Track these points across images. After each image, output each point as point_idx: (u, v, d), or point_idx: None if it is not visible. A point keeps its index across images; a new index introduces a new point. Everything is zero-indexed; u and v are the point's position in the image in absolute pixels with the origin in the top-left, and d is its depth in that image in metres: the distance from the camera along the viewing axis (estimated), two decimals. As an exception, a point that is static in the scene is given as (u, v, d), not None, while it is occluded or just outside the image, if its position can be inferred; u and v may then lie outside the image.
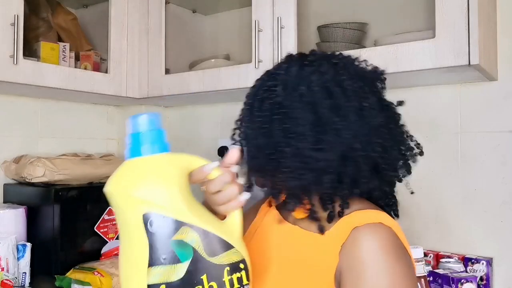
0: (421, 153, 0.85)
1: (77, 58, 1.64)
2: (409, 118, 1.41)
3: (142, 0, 1.63)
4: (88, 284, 1.30)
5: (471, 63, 1.05)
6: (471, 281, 1.04)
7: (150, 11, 1.63)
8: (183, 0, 1.79)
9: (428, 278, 1.01)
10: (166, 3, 1.62)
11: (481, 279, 1.22)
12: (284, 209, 0.85)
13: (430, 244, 1.36)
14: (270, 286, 0.79)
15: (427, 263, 1.17)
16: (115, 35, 1.57)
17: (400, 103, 0.83)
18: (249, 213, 0.97)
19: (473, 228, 1.31)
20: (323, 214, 0.77)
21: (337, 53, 0.84)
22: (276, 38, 1.31)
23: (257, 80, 0.86)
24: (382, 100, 0.81)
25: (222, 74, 1.44)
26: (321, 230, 0.76)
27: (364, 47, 1.35)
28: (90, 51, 1.67)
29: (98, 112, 1.88)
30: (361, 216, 0.74)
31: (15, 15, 1.27)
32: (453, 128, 1.35)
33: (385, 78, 0.84)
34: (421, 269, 0.95)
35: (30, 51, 1.46)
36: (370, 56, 1.18)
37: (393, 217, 0.81)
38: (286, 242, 0.82)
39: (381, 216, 0.75)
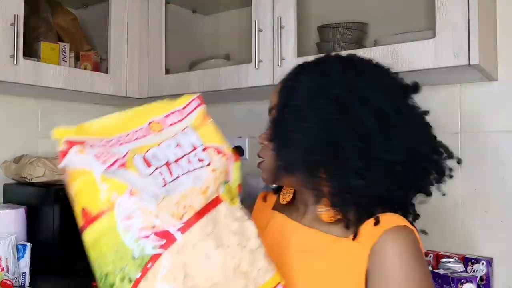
0: (451, 176, 0.88)
1: (77, 58, 1.64)
2: (409, 118, 1.42)
3: (142, 0, 1.63)
4: None
5: (471, 63, 1.05)
6: (471, 281, 1.03)
7: (150, 11, 1.63)
8: (183, 0, 1.78)
9: (428, 278, 1.01)
10: (166, 3, 1.62)
11: (481, 279, 1.22)
12: (311, 211, 0.83)
13: (430, 244, 1.36)
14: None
15: (427, 263, 1.17)
16: (115, 35, 1.57)
17: (425, 112, 0.88)
18: None
19: (473, 228, 1.31)
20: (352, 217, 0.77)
21: (374, 61, 0.86)
22: (276, 38, 1.31)
23: (298, 74, 0.84)
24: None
25: (222, 74, 1.44)
26: (355, 235, 0.76)
27: (364, 47, 1.35)
28: (90, 51, 1.67)
29: (98, 112, 1.87)
30: (387, 219, 0.75)
31: (15, 15, 1.27)
32: (453, 128, 1.34)
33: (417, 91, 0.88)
34: (421, 269, 0.95)
35: (30, 51, 1.46)
36: (370, 56, 1.18)
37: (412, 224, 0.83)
38: (309, 247, 0.80)
39: (402, 219, 0.78)
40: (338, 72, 0.80)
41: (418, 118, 0.83)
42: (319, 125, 0.76)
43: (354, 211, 0.77)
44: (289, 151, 0.78)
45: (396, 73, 0.87)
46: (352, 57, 0.87)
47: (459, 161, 0.87)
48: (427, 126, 0.85)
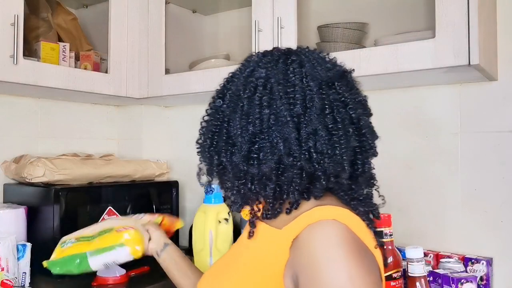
0: (374, 154, 0.80)
1: (77, 58, 1.64)
2: (409, 118, 1.42)
3: (142, 0, 1.63)
4: (121, 245, 1.07)
5: (471, 63, 1.05)
6: (471, 281, 1.03)
7: (150, 11, 1.63)
8: (183, 0, 1.79)
9: (428, 278, 1.01)
10: (166, 3, 1.62)
11: (481, 279, 1.22)
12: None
13: (430, 244, 1.36)
14: (228, 279, 0.82)
15: (427, 263, 1.18)
16: (115, 35, 1.57)
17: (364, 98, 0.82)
18: None
19: (473, 228, 1.31)
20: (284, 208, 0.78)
21: (303, 49, 0.82)
22: (276, 38, 1.31)
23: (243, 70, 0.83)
24: (333, 101, 0.75)
25: (222, 74, 1.42)
26: (253, 225, 0.80)
27: (364, 47, 1.35)
28: (90, 51, 1.67)
29: (98, 112, 1.88)
30: (318, 213, 0.73)
31: (15, 15, 1.27)
32: (453, 128, 1.34)
33: (346, 76, 0.80)
34: (421, 269, 0.95)
35: (30, 51, 1.46)
36: (370, 56, 1.18)
37: (373, 218, 0.79)
38: (254, 238, 0.82)
39: (339, 212, 0.73)
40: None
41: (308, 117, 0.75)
42: (207, 138, 0.82)
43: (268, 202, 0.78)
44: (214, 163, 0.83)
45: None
46: (266, 53, 0.83)
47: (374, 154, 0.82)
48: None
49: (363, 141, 0.77)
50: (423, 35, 1.17)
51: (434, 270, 1.11)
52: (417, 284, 0.95)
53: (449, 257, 1.25)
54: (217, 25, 1.90)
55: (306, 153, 0.72)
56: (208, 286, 0.87)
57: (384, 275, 0.77)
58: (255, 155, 0.73)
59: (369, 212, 0.80)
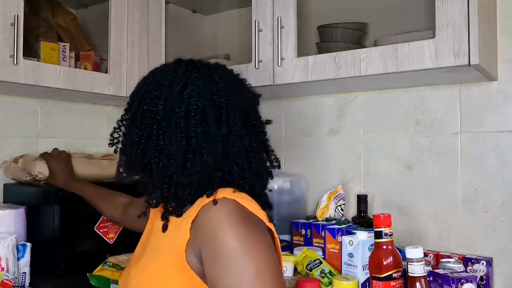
0: (278, 167, 0.95)
1: (77, 58, 1.63)
2: (409, 118, 1.42)
3: (142, 0, 1.63)
4: None
5: (471, 63, 1.05)
6: (471, 281, 1.03)
7: (150, 11, 1.63)
8: (183, 0, 1.79)
9: (428, 278, 1.01)
10: (166, 3, 1.62)
11: (481, 279, 1.22)
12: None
13: (430, 244, 1.36)
14: (136, 271, 0.89)
15: (427, 263, 1.17)
16: (115, 35, 1.57)
17: (268, 122, 0.95)
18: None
19: (473, 228, 1.31)
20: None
21: (220, 69, 0.92)
22: (276, 38, 1.31)
23: (143, 83, 0.92)
24: (249, 127, 0.89)
25: (222, 74, 1.44)
26: (166, 219, 0.87)
27: (364, 47, 1.35)
28: (90, 51, 1.67)
29: (98, 112, 1.88)
30: (207, 198, 0.81)
31: (15, 15, 1.27)
32: (453, 128, 1.35)
33: (258, 102, 0.94)
34: (421, 269, 0.95)
35: (30, 51, 1.46)
36: (370, 56, 1.18)
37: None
38: (158, 229, 0.89)
39: (226, 192, 0.82)
40: (170, 86, 0.87)
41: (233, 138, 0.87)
42: (136, 142, 0.88)
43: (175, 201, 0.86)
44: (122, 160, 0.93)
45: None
46: (191, 64, 0.92)
47: (277, 167, 0.95)
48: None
49: (269, 153, 0.94)
50: (423, 35, 1.17)
51: (434, 270, 1.11)
52: (417, 284, 0.95)
53: (449, 257, 1.24)
54: (217, 25, 1.90)
55: (234, 166, 0.85)
56: (124, 276, 0.93)
57: (280, 245, 0.89)
58: (187, 167, 0.83)
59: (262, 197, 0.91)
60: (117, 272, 1.35)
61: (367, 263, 1.11)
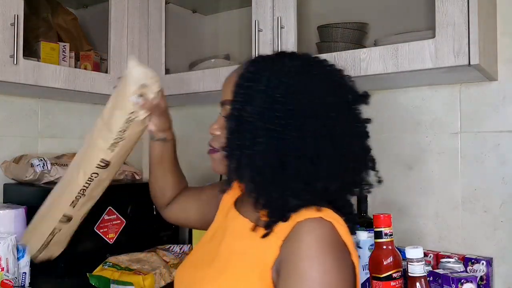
0: (380, 181, 0.90)
1: (77, 58, 1.64)
2: (409, 118, 1.42)
3: (142, 0, 1.63)
4: (131, 284, 1.30)
5: (471, 63, 1.05)
6: (471, 281, 1.03)
7: (150, 11, 1.63)
8: (183, 0, 1.79)
9: (428, 278, 1.01)
10: (166, 3, 1.62)
11: (481, 279, 1.22)
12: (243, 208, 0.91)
13: (430, 244, 1.36)
14: (211, 273, 0.84)
15: (427, 263, 1.17)
16: (115, 35, 1.57)
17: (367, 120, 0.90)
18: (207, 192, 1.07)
19: (473, 228, 1.31)
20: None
21: (329, 62, 0.88)
22: (276, 38, 1.31)
23: (252, 67, 0.89)
24: (354, 121, 0.87)
25: (222, 74, 1.44)
26: (268, 227, 0.80)
27: (364, 47, 1.35)
28: (90, 51, 1.67)
29: (98, 112, 1.87)
30: (305, 212, 0.77)
31: (15, 15, 1.27)
32: (453, 128, 1.35)
33: (367, 99, 0.90)
34: (421, 269, 0.95)
35: (30, 51, 1.46)
36: (370, 56, 1.18)
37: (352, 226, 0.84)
38: (238, 233, 0.86)
39: (322, 211, 0.78)
40: (294, 82, 0.81)
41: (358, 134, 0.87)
42: (271, 144, 0.78)
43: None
44: (239, 164, 0.82)
45: (351, 79, 0.90)
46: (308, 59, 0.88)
47: (379, 181, 0.91)
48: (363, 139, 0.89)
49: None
50: (423, 35, 1.17)
51: (434, 270, 1.11)
52: (417, 284, 0.95)
53: (449, 257, 1.24)
54: (217, 25, 1.90)
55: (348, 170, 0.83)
56: (190, 277, 0.90)
57: (359, 272, 0.82)
58: (323, 173, 0.79)
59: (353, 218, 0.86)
60: (117, 272, 1.35)
61: (367, 263, 1.11)
